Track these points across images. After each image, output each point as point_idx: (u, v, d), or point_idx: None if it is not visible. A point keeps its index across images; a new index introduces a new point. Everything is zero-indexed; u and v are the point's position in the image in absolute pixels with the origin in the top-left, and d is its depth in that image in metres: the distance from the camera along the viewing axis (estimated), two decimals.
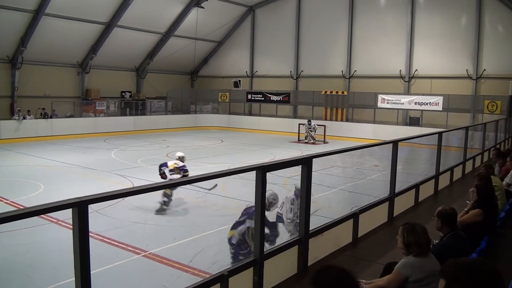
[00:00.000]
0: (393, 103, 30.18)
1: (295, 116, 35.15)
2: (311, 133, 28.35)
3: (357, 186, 13.73)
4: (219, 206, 9.41)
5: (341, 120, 32.70)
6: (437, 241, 5.25)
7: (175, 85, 40.11)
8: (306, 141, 28.13)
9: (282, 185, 11.17)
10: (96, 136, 29.09)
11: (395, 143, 8.66)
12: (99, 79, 33.71)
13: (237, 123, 36.49)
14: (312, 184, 6.02)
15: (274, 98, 35.67)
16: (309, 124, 28.50)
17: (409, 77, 30.87)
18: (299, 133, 29.45)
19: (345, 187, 13.04)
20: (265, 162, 5.73)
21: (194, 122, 37.08)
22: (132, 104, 34.79)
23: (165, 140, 27.09)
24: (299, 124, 29.87)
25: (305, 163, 5.99)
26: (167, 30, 34.84)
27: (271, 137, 30.89)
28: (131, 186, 14.40)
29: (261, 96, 36.32)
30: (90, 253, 3.44)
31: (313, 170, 5.99)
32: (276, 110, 36.09)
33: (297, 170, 5.96)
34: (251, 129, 34.99)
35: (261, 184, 5.11)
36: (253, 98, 36.78)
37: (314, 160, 6.09)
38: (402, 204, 9.36)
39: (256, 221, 5.30)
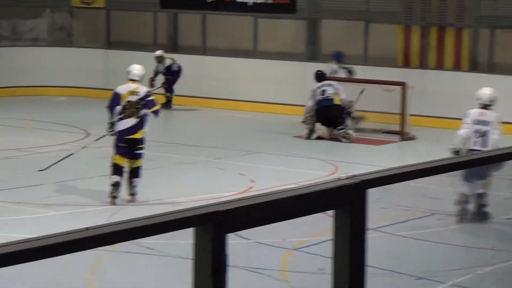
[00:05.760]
0: None
1: (311, 56, 15.30)
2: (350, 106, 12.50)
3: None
4: None
5: (458, 69, 14.16)
6: None
7: None
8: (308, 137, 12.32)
9: None
10: None
11: None
12: None
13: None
14: None
15: None
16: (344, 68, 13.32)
17: None
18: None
19: None
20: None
21: None
22: None
23: None
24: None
25: None
26: None
27: (243, 123, 14.10)
28: None
29: None
30: None
31: None
32: (254, 39, 15.55)
33: None
34: (182, 97, 15.06)
35: None
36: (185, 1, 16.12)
37: None
38: None
39: None
